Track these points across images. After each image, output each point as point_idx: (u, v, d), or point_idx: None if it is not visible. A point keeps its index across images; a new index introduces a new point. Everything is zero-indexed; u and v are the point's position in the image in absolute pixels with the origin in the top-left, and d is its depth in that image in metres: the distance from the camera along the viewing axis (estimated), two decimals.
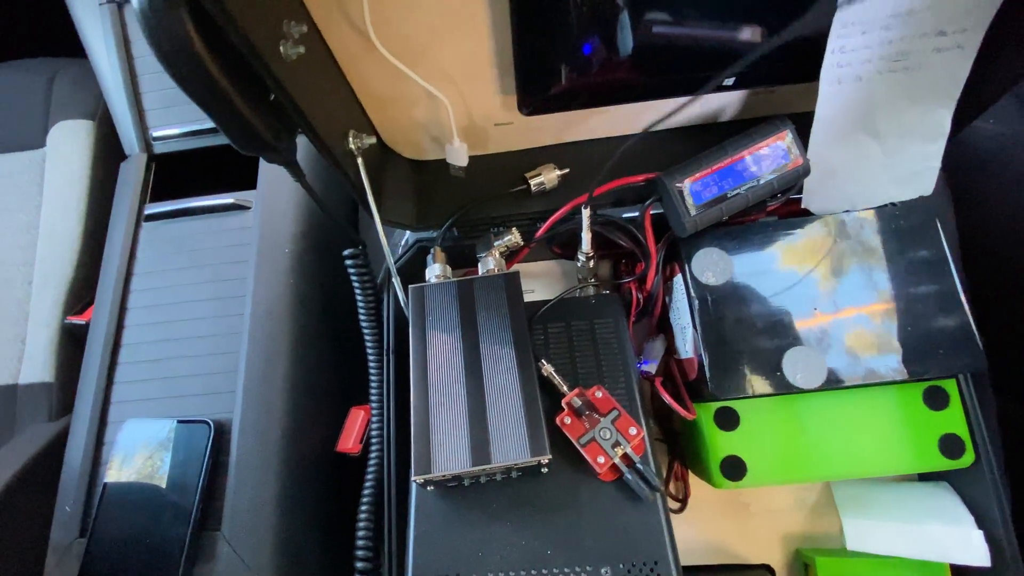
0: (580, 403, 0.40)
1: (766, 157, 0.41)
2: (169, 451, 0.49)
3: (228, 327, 0.53)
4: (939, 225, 0.43)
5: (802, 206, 0.45)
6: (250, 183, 0.59)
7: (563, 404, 0.40)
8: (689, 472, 0.50)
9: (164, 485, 0.48)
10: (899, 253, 0.43)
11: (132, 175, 0.61)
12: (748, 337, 0.42)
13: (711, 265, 0.44)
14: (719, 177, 0.41)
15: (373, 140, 0.41)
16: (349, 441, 0.55)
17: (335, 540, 0.52)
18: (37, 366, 0.63)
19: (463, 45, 0.38)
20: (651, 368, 0.49)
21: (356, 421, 0.56)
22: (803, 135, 0.43)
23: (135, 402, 0.53)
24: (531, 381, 0.39)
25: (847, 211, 0.44)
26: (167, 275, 0.57)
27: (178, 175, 0.63)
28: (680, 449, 0.50)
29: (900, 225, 0.43)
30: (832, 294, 0.42)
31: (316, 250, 0.58)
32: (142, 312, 0.56)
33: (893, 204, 0.44)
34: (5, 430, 0.62)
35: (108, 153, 0.70)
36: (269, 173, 0.59)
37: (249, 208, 0.58)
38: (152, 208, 0.59)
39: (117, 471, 0.49)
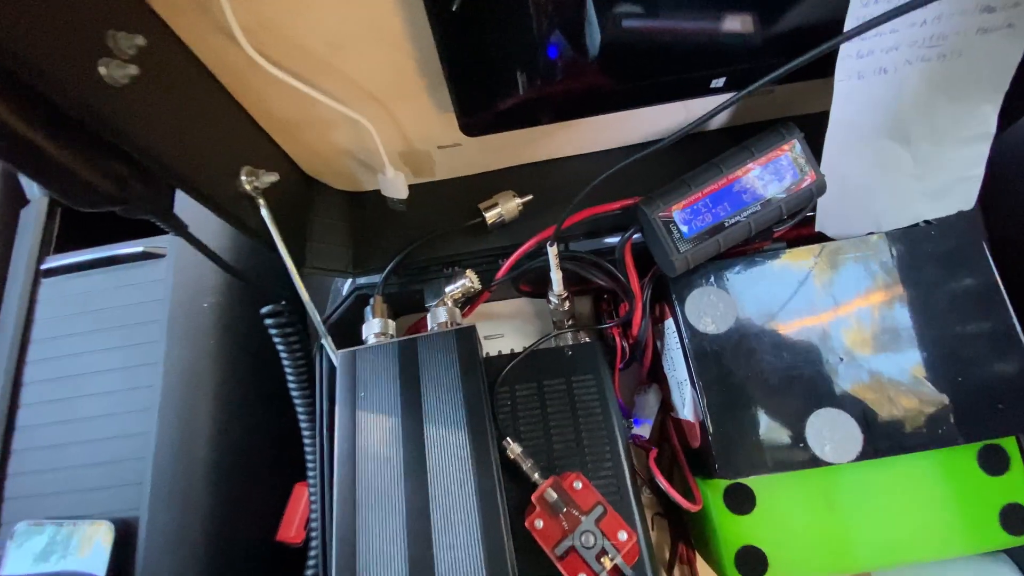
0: (555, 498, 0.32)
1: (770, 174, 0.33)
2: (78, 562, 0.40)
3: (137, 402, 0.45)
4: (985, 246, 0.35)
5: (816, 229, 0.37)
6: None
7: (533, 501, 0.32)
8: (697, 554, 0.41)
9: None
10: (938, 284, 0.35)
11: (31, 223, 0.53)
12: (761, 398, 0.34)
13: (709, 308, 0.35)
14: (713, 202, 0.33)
15: (275, 177, 0.32)
16: (291, 529, 0.46)
17: None
18: None
19: (377, 55, 0.29)
20: (644, 431, 0.41)
21: (299, 503, 0.47)
22: (812, 143, 0.35)
23: (30, 498, 0.44)
24: (490, 478, 0.30)
25: (871, 233, 0.36)
26: (70, 341, 0.48)
27: (87, 221, 0.54)
28: (685, 526, 0.42)
29: (938, 248, 0.35)
30: (862, 339, 0.34)
31: (243, 302, 0.49)
32: (41, 388, 0.47)
33: (927, 222, 0.36)
34: None
35: (12, 199, 0.61)
36: (186, 214, 0.50)
37: (163, 256, 0.49)
38: (52, 261, 0.50)
39: None
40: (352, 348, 0.36)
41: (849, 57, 0.29)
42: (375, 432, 0.32)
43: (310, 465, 0.42)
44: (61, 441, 0.45)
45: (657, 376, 0.43)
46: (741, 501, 0.35)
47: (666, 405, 0.42)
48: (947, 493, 0.35)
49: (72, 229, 0.54)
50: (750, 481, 0.35)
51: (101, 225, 0.52)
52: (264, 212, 0.33)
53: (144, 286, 0.48)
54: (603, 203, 0.37)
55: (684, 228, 0.33)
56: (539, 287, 0.46)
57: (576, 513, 0.31)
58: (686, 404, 0.37)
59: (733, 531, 0.35)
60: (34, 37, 0.19)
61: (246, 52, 0.26)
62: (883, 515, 0.34)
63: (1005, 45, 0.29)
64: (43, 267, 0.50)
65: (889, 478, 0.35)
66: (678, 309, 0.36)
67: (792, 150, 0.33)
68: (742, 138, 0.38)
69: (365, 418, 0.33)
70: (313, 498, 0.43)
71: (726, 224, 0.33)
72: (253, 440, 0.47)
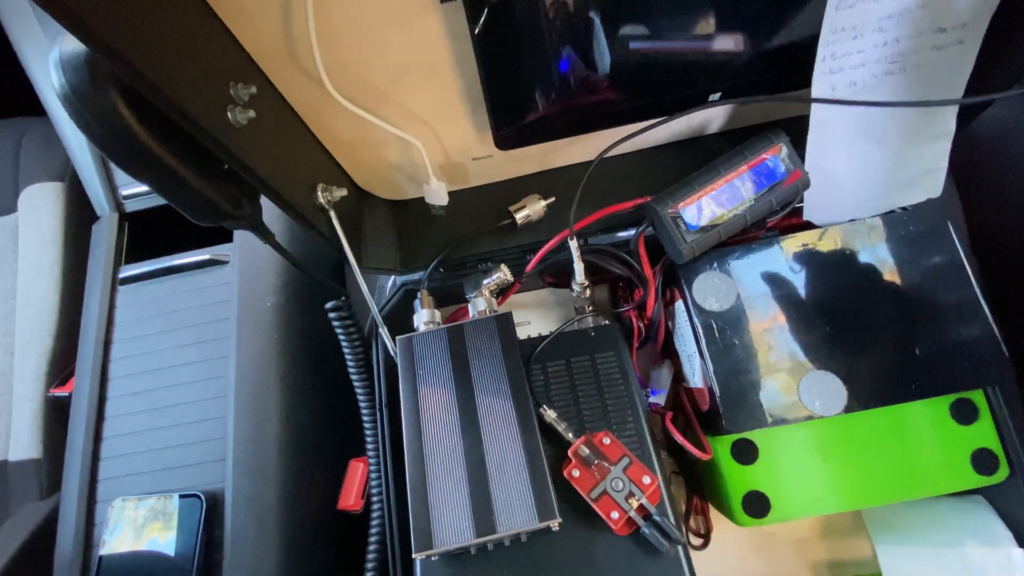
0: (588, 452, 0.38)
1: (761, 174, 0.39)
2: (174, 528, 0.47)
3: (213, 391, 0.51)
4: (951, 228, 0.41)
5: (804, 218, 0.43)
6: (227, 236, 0.56)
7: (569, 455, 0.38)
8: (710, 505, 0.47)
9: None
10: (912, 261, 0.40)
11: (104, 237, 0.59)
12: (760, 365, 0.39)
13: (713, 290, 0.41)
14: (713, 200, 0.39)
15: (344, 192, 0.38)
16: (350, 498, 0.53)
17: None
18: (24, 442, 0.61)
19: (430, 87, 0.35)
20: (660, 399, 0.46)
21: (356, 476, 0.53)
22: (797, 142, 0.41)
23: (123, 478, 0.51)
24: (533, 434, 0.36)
25: (852, 220, 0.42)
26: (148, 340, 0.54)
27: (152, 233, 0.60)
28: (698, 481, 0.48)
29: (910, 231, 0.41)
30: (845, 310, 0.40)
31: (300, 300, 0.55)
32: (124, 381, 0.54)
33: (903, 208, 0.41)
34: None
35: (80, 215, 0.68)
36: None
37: (227, 263, 0.55)
38: (127, 270, 0.57)
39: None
40: (408, 335, 0.42)
41: (823, 73, 0.34)
42: (435, 402, 0.39)
43: (369, 440, 0.49)
44: (148, 427, 0.51)
45: (669, 353, 0.49)
46: (746, 453, 0.41)
47: (678, 377, 0.48)
48: (925, 440, 0.40)
49: (138, 241, 0.61)
50: (753, 435, 0.41)
51: (163, 237, 0.59)
52: (335, 222, 0.39)
53: (212, 289, 0.55)
54: (618, 203, 0.43)
55: (690, 222, 0.39)
56: (561, 278, 0.52)
57: (606, 464, 0.37)
58: (695, 373, 0.43)
59: (740, 479, 0.40)
60: (183, 89, 0.25)
61: (328, 91, 0.32)
62: (869, 460, 0.40)
63: (957, 58, 0.35)
64: (120, 276, 0.57)
65: (874, 430, 0.41)
66: (687, 291, 0.42)
67: (779, 152, 0.39)
68: (737, 141, 0.44)
69: (425, 391, 0.39)
70: (373, 470, 0.49)
71: (725, 218, 0.39)
72: (314, 421, 0.53)
